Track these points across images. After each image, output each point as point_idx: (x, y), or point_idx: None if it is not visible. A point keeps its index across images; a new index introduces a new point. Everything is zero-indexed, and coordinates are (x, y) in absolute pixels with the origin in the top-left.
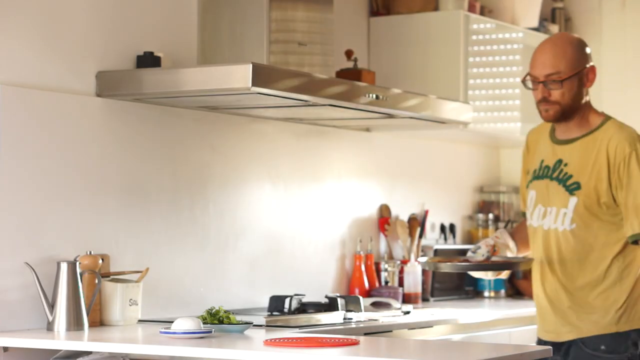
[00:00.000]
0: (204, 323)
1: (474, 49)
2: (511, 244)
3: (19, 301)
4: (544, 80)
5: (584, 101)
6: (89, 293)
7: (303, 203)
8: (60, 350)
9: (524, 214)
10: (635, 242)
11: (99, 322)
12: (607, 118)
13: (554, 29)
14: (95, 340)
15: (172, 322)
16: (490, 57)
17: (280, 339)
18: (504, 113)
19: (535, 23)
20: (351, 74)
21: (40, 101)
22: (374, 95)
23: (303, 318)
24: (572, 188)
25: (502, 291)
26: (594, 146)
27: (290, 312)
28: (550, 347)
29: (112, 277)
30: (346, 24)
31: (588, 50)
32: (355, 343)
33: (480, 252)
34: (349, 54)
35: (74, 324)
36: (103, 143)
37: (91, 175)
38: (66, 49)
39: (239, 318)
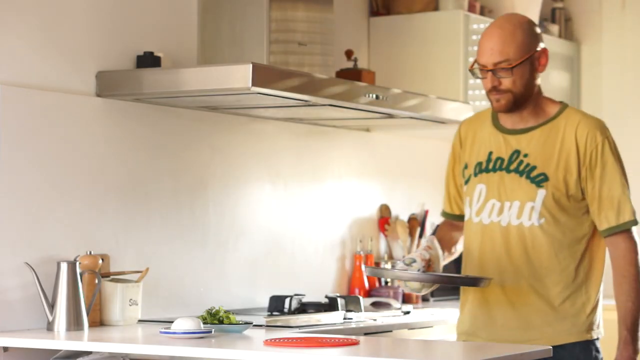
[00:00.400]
0: (204, 323)
1: (474, 49)
2: (441, 253)
3: (19, 301)
4: (492, 68)
5: (536, 88)
6: (89, 293)
7: (303, 203)
8: (60, 350)
9: (448, 215)
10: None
11: (99, 322)
12: (564, 105)
13: (554, 29)
14: (95, 340)
15: (172, 322)
16: None
17: (280, 339)
18: None
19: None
20: (351, 74)
21: (40, 101)
22: (374, 95)
23: (303, 318)
24: (539, 180)
25: None
26: (556, 134)
27: (290, 312)
28: (550, 347)
29: (112, 277)
30: (346, 24)
31: (538, 30)
32: (355, 343)
33: (415, 266)
34: (349, 54)
35: (74, 324)
36: (103, 143)
37: (91, 175)
38: (66, 49)
39: (239, 318)
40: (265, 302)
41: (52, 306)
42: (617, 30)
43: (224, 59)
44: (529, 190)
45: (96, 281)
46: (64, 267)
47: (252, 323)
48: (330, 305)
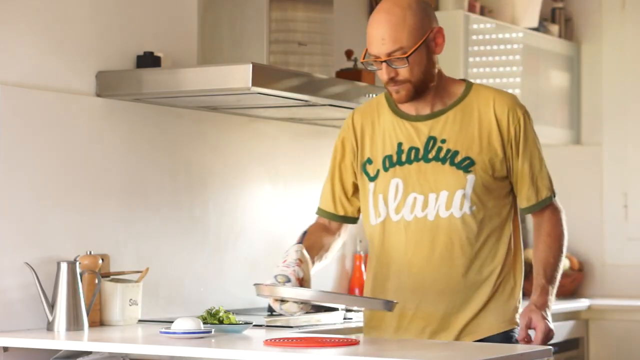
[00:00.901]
0: (204, 323)
1: (474, 49)
2: (311, 266)
3: (19, 301)
4: (386, 59)
5: (436, 70)
6: (89, 293)
7: (303, 203)
8: (60, 350)
9: (330, 215)
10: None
11: (99, 322)
12: (469, 83)
13: (554, 29)
14: (95, 340)
15: (172, 322)
16: (490, 57)
17: (280, 339)
18: None
19: (535, 23)
20: (351, 74)
21: (40, 101)
22: (374, 95)
23: (303, 318)
24: (466, 165)
25: None
26: (471, 114)
27: None
28: (550, 348)
29: (112, 277)
30: (346, 24)
31: (430, 9)
32: (355, 343)
33: (290, 285)
34: (349, 54)
35: (74, 324)
36: (103, 143)
37: (91, 175)
38: (66, 49)
39: (239, 318)
40: (265, 302)
41: (52, 306)
42: (617, 30)
43: (224, 59)
44: (457, 177)
45: (96, 281)
46: (64, 267)
47: (252, 323)
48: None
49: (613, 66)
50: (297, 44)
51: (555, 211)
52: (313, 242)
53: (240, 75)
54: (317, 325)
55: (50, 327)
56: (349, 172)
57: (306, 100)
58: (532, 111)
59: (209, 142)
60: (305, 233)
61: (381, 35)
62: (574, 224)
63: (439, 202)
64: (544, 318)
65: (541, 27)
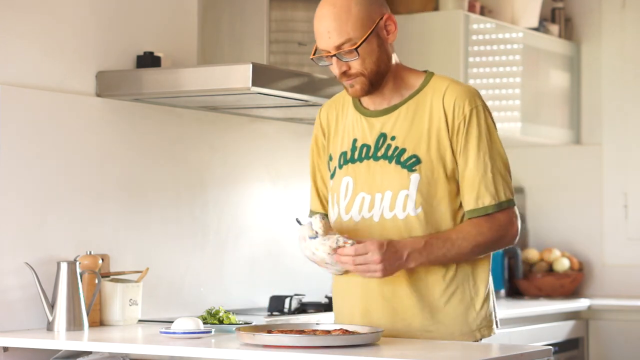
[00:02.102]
0: (204, 323)
1: (474, 49)
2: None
3: (19, 301)
4: (335, 52)
5: (393, 60)
6: (89, 293)
7: (303, 203)
8: (60, 350)
9: (320, 215)
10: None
11: (99, 322)
12: (430, 74)
13: (554, 29)
14: (95, 340)
15: (172, 322)
16: (490, 57)
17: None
18: (503, 113)
19: (535, 23)
20: None
21: (40, 101)
22: None
23: (303, 318)
24: (411, 164)
25: (502, 291)
26: (424, 109)
27: (290, 312)
28: (550, 348)
29: (112, 277)
30: None
31: None
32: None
33: (317, 226)
34: None
35: (74, 324)
36: (103, 143)
37: (91, 175)
38: (66, 49)
39: (239, 318)
40: (265, 302)
41: (52, 306)
42: (617, 30)
43: (224, 59)
44: (400, 176)
45: (96, 281)
46: (64, 267)
47: (252, 323)
48: (330, 305)
49: (613, 66)
50: (297, 44)
51: (495, 221)
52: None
53: (240, 75)
54: (317, 326)
55: (50, 327)
56: (323, 170)
57: (306, 100)
58: (532, 111)
59: (209, 142)
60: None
61: (326, 28)
62: (574, 224)
63: (383, 203)
64: (386, 247)
65: (541, 27)
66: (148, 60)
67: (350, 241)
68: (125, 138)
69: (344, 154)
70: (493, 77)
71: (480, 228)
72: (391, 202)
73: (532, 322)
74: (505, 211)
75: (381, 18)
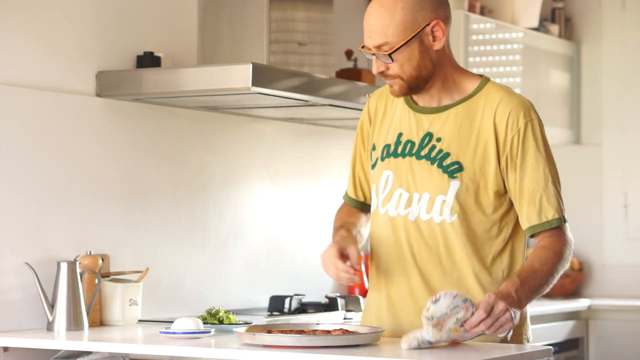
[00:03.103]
0: (204, 323)
1: (474, 49)
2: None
3: (19, 301)
4: (375, 52)
5: (443, 62)
6: (89, 293)
7: (303, 203)
8: (60, 350)
9: (350, 200)
10: (532, 236)
11: (99, 322)
12: (485, 79)
13: (554, 29)
14: (95, 340)
15: (172, 322)
16: (490, 57)
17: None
18: None
19: (535, 23)
20: (351, 74)
21: (40, 101)
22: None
23: (303, 318)
24: (453, 170)
25: None
26: (474, 116)
27: (290, 312)
28: (550, 348)
29: (112, 277)
30: (346, 24)
31: (426, 2)
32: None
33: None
34: (348, 54)
35: (74, 324)
36: (103, 143)
37: (91, 175)
38: (66, 49)
39: (238, 318)
40: (265, 302)
41: (52, 306)
42: (617, 30)
43: (224, 59)
44: (440, 181)
45: (96, 281)
46: (64, 267)
47: (252, 323)
48: (330, 305)
49: (613, 66)
50: (297, 44)
51: (562, 238)
52: (352, 235)
53: (240, 75)
54: (317, 325)
55: (50, 327)
56: (365, 158)
57: (306, 100)
58: None
59: (209, 142)
60: (338, 229)
61: (369, 27)
62: (574, 224)
63: (421, 204)
64: (501, 300)
65: (541, 27)
66: (148, 60)
67: (461, 313)
68: (125, 138)
69: (388, 146)
70: (493, 77)
71: (554, 248)
72: (428, 204)
73: (532, 322)
74: (565, 225)
75: (428, 24)
